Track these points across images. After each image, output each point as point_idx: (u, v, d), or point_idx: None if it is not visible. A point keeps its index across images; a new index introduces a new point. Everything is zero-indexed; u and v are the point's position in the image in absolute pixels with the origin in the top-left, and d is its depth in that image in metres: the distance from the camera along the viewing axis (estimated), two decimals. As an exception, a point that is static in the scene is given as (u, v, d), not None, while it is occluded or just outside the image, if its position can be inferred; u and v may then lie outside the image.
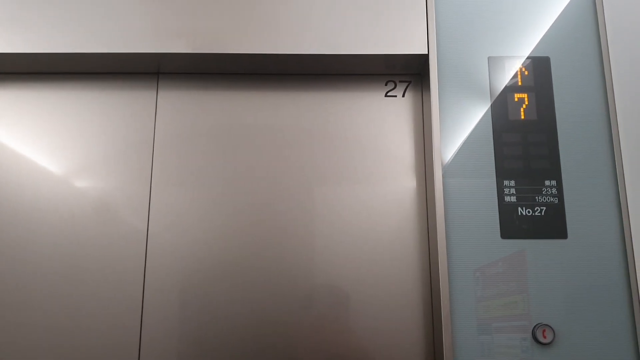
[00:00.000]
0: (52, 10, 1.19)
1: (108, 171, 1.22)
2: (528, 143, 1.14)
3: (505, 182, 1.13)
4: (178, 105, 1.25)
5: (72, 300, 1.16)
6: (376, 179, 1.22)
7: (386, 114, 1.25)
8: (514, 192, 1.12)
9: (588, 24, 1.19)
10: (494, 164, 1.13)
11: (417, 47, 1.17)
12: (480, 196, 1.12)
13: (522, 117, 1.15)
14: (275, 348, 1.13)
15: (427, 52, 1.17)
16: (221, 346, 1.14)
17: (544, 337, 1.04)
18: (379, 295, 1.16)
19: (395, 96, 1.26)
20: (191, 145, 1.23)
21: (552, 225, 1.10)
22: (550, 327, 1.05)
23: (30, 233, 1.19)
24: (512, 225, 1.11)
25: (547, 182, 1.12)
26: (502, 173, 1.13)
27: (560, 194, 1.12)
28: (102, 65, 1.23)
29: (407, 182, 1.22)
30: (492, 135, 1.15)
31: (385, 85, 1.27)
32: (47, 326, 1.15)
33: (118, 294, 1.16)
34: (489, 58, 1.18)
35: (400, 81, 1.27)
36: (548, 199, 1.12)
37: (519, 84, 1.17)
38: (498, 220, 1.11)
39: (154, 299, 1.16)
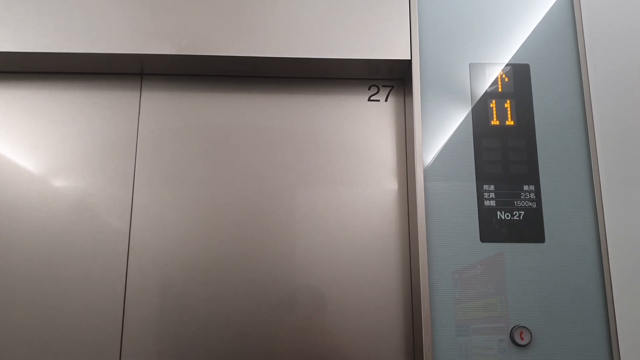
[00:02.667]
0: (34, 8, 1.18)
1: (90, 172, 1.22)
2: (507, 148, 1.16)
3: (485, 186, 1.14)
4: (161, 107, 1.25)
5: (54, 299, 1.15)
6: (359, 182, 1.23)
7: (369, 118, 1.26)
8: (494, 196, 1.14)
9: (566, 32, 1.22)
10: (474, 168, 1.15)
11: (400, 53, 1.19)
12: (460, 200, 1.14)
13: (502, 122, 1.17)
14: (255, 348, 1.14)
15: (410, 58, 1.19)
16: (202, 345, 1.14)
17: (522, 338, 1.06)
18: (360, 297, 1.17)
19: (378, 100, 1.28)
20: (174, 147, 1.23)
21: (530, 229, 1.12)
22: (528, 329, 1.07)
23: (10, 233, 1.18)
24: (491, 229, 1.12)
25: (525, 187, 1.15)
26: (482, 177, 1.15)
27: (538, 199, 1.14)
28: (85, 65, 1.23)
29: (388, 185, 1.23)
30: (472, 140, 1.17)
31: (369, 89, 1.28)
32: (28, 325, 1.14)
33: (100, 294, 1.15)
34: (470, 64, 1.20)
35: (383, 86, 1.28)
36: (526, 203, 1.14)
37: (499, 90, 1.19)
38: (477, 224, 1.12)
39: (136, 298, 1.15)
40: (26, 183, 1.21)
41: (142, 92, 1.26)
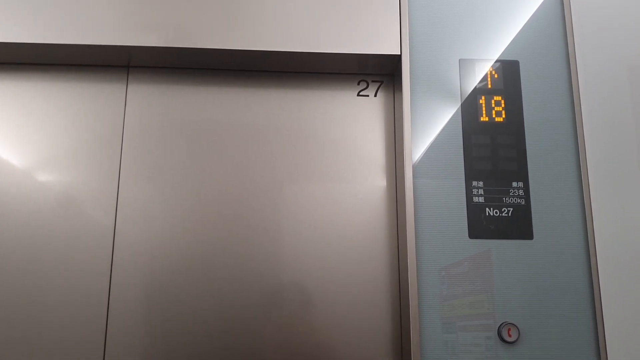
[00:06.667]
0: (20, -1, 1.16)
1: (75, 165, 1.20)
2: (496, 145, 1.16)
3: (474, 183, 1.14)
4: (148, 99, 1.24)
5: (37, 294, 1.13)
6: (347, 178, 1.22)
7: (358, 113, 1.26)
8: (482, 193, 1.14)
9: (556, 30, 1.22)
10: (463, 165, 1.15)
11: (390, 48, 1.18)
12: (449, 196, 1.13)
13: (491, 119, 1.17)
14: (242, 344, 1.13)
15: (399, 53, 1.18)
16: (187, 342, 1.12)
17: (509, 335, 1.06)
18: (347, 294, 1.16)
19: (368, 96, 1.27)
20: (161, 140, 1.22)
21: (519, 226, 1.12)
22: (515, 326, 1.07)
23: (-9, 227, 1.16)
24: (479, 226, 1.12)
25: (514, 184, 1.14)
26: (470, 174, 1.14)
27: (526, 196, 1.14)
28: (70, 56, 1.21)
29: (377, 182, 1.22)
30: (461, 137, 1.16)
31: (358, 84, 1.27)
32: (9, 321, 1.12)
33: (84, 289, 1.14)
34: (459, 60, 1.20)
35: (373, 81, 1.28)
36: (515, 200, 1.14)
37: (489, 86, 1.19)
38: (466, 220, 1.12)
39: (121, 293, 1.14)
40: (10, 176, 1.19)
41: (128, 85, 1.24)
